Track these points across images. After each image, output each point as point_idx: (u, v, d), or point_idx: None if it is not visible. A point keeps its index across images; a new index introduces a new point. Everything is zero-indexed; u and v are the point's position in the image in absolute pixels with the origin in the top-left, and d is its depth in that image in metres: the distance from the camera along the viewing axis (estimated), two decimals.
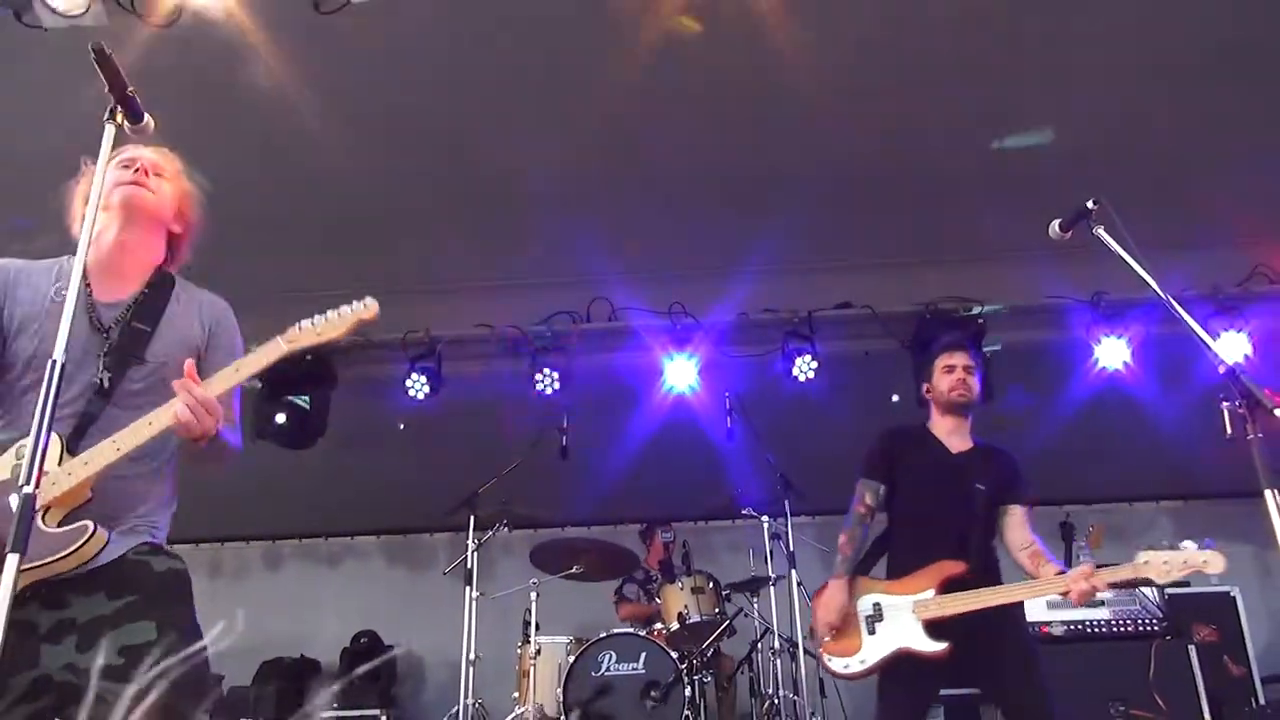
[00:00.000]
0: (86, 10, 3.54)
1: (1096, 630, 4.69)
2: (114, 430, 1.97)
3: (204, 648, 1.98)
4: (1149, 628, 4.65)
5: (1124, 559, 5.35)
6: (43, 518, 1.89)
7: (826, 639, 3.44)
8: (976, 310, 5.59)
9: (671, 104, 4.67)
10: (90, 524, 1.89)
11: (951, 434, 3.60)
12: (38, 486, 1.68)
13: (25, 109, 4.21)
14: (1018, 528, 3.43)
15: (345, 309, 2.04)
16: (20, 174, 3.63)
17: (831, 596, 3.45)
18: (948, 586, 3.29)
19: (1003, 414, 5.66)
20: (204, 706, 1.90)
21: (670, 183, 5.24)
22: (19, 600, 1.82)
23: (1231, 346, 5.18)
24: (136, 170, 2.18)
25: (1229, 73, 4.30)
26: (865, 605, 3.42)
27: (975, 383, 3.61)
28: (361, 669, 6.95)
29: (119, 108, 1.90)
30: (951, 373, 3.60)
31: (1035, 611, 4.77)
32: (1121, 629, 4.67)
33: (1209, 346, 2.37)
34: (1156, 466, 6.27)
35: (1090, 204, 2.56)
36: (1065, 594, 3.15)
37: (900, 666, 3.29)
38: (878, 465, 3.64)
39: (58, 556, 1.87)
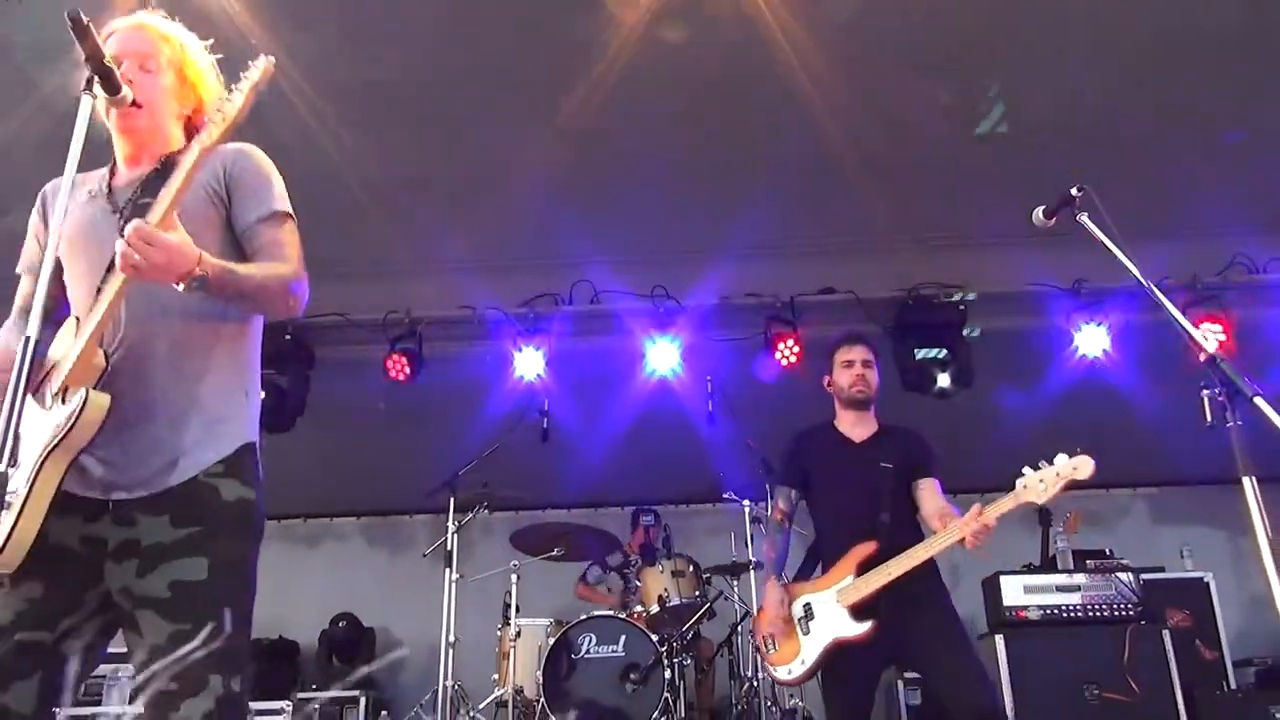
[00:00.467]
0: None
1: (1071, 614, 4.74)
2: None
3: (248, 617, 1.90)
4: (1123, 612, 4.70)
5: (1103, 545, 5.49)
6: (62, 399, 1.83)
7: (770, 650, 3.54)
8: (958, 296, 5.61)
9: (653, 86, 4.64)
10: (84, 390, 1.79)
11: (855, 425, 3.69)
12: (12, 465, 1.65)
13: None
14: (930, 498, 3.51)
15: (243, 80, 1.84)
16: None
17: (765, 603, 3.57)
18: (865, 568, 3.36)
19: (981, 401, 5.71)
20: (242, 678, 1.84)
21: (653, 165, 5.21)
22: (94, 513, 1.86)
23: (1209, 335, 5.22)
24: (119, 98, 1.94)
25: (1212, 60, 4.32)
26: (797, 609, 3.52)
27: (874, 377, 3.70)
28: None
29: (96, 79, 1.85)
30: (850, 368, 3.69)
31: (1011, 596, 4.81)
32: (1096, 613, 4.72)
33: (1189, 334, 2.38)
34: (1134, 453, 6.31)
35: (1074, 191, 2.56)
36: (963, 541, 3.18)
37: (835, 659, 3.36)
38: (787, 470, 3.79)
39: (61, 433, 1.78)
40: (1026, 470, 3.14)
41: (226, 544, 1.88)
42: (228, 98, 1.82)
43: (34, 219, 2.18)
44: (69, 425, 1.77)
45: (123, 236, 1.72)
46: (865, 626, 3.29)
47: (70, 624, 1.82)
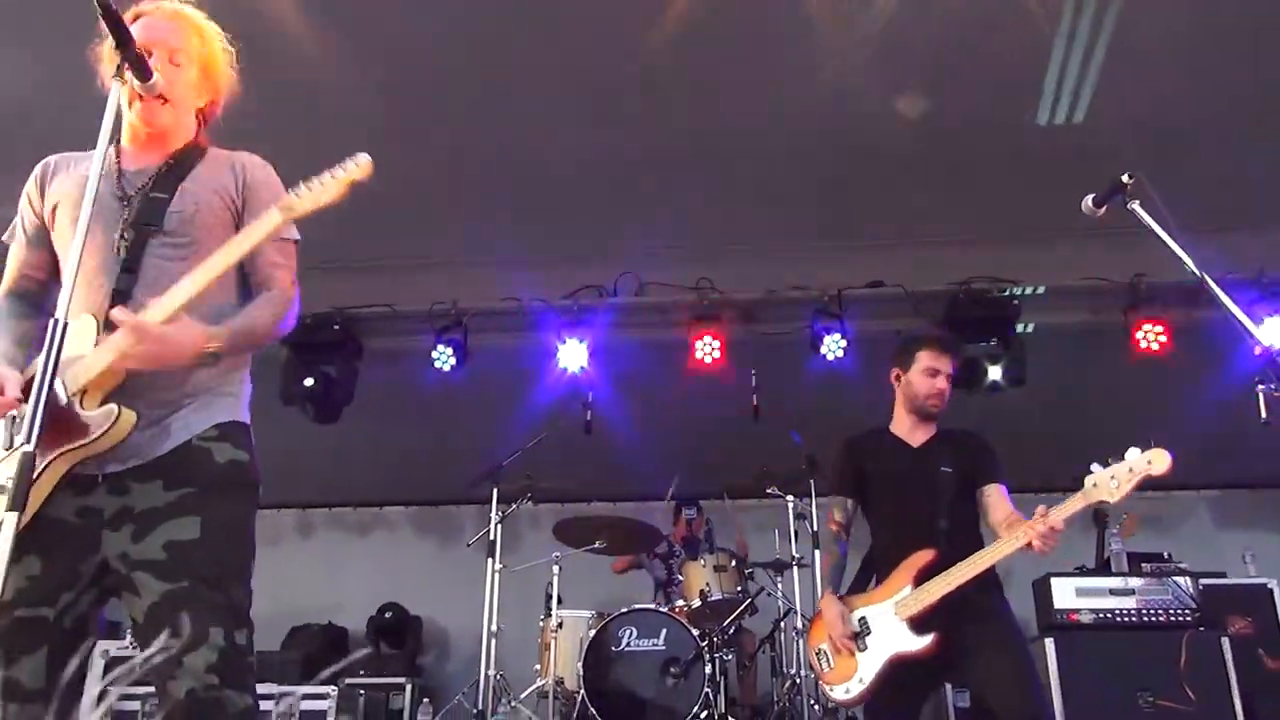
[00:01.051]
0: None
1: (1125, 619, 4.58)
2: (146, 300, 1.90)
3: (247, 575, 1.91)
4: (1180, 618, 4.54)
5: (1162, 548, 5.31)
6: (80, 401, 1.86)
7: (825, 669, 3.34)
8: (1011, 290, 5.48)
9: (698, 76, 4.60)
10: (115, 408, 1.83)
11: (914, 429, 3.46)
12: (38, 445, 1.67)
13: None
14: (997, 506, 3.28)
15: (338, 170, 1.91)
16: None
17: (824, 613, 3.36)
18: (923, 578, 3.17)
19: (1035, 399, 5.56)
20: (246, 632, 1.85)
21: (700, 157, 5.17)
22: (87, 486, 1.89)
23: (1276, 331, 5.02)
24: (150, 84, 1.96)
25: (1273, 44, 4.15)
26: (852, 623, 3.31)
27: (949, 392, 3.45)
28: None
29: (126, 65, 1.87)
30: (934, 377, 3.40)
31: (1063, 599, 4.67)
32: (1152, 618, 4.56)
33: (1248, 329, 2.27)
34: (1195, 454, 6.10)
35: (1125, 178, 2.46)
36: (1029, 546, 2.98)
37: (894, 674, 3.17)
38: (841, 479, 3.54)
39: (88, 440, 1.82)
40: (1095, 467, 2.94)
41: (219, 503, 1.90)
42: (324, 184, 1.90)
43: (30, 189, 2.15)
44: (94, 438, 1.82)
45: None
46: (926, 640, 3.10)
47: (70, 598, 1.85)
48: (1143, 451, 2.88)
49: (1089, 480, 2.94)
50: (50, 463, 1.82)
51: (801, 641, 5.14)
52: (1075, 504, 2.95)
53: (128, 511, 1.87)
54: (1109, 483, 2.90)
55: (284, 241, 2.10)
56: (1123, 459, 2.91)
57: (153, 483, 1.88)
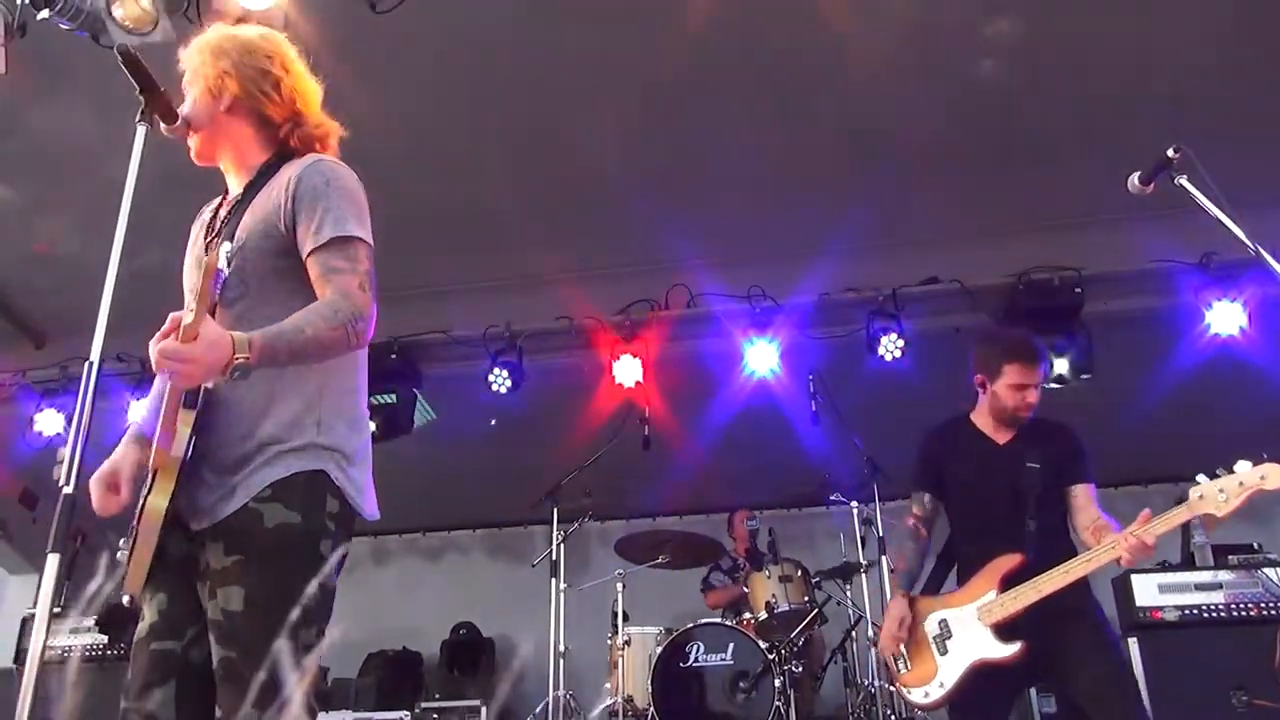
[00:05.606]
0: (155, 28, 3.67)
1: (1213, 614, 4.37)
2: None
3: (296, 645, 1.82)
4: (1272, 611, 4.31)
5: (1251, 539, 5.05)
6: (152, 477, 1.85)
7: (901, 670, 3.25)
8: (1074, 278, 5.30)
9: (743, 86, 4.58)
10: (141, 500, 1.84)
11: (999, 427, 3.32)
12: (76, 487, 1.73)
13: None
14: (1084, 509, 3.15)
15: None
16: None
17: (891, 615, 3.26)
18: (1009, 582, 3.06)
19: (1105, 387, 5.37)
20: (276, 676, 1.78)
21: (746, 164, 5.14)
22: (193, 536, 1.88)
23: None
24: (177, 125, 1.97)
25: None
26: (932, 625, 3.21)
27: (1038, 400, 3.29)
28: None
29: (150, 108, 1.92)
30: (1022, 391, 3.24)
31: (1145, 596, 4.47)
32: (1241, 613, 4.33)
33: None
34: None
35: (1171, 152, 2.36)
36: (1118, 560, 2.86)
37: (978, 680, 3.06)
38: (922, 473, 3.42)
39: (133, 536, 1.83)
40: (1201, 478, 2.80)
41: (262, 573, 1.84)
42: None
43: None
44: (134, 527, 1.85)
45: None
46: (1014, 648, 2.99)
47: (194, 632, 1.89)
48: (1255, 465, 2.75)
49: (1194, 492, 2.82)
50: (137, 534, 1.84)
51: (874, 650, 5.03)
52: (1179, 517, 2.84)
53: (208, 568, 1.88)
54: (1217, 495, 2.77)
55: (341, 242, 1.91)
56: (1232, 471, 2.78)
57: (218, 544, 1.86)
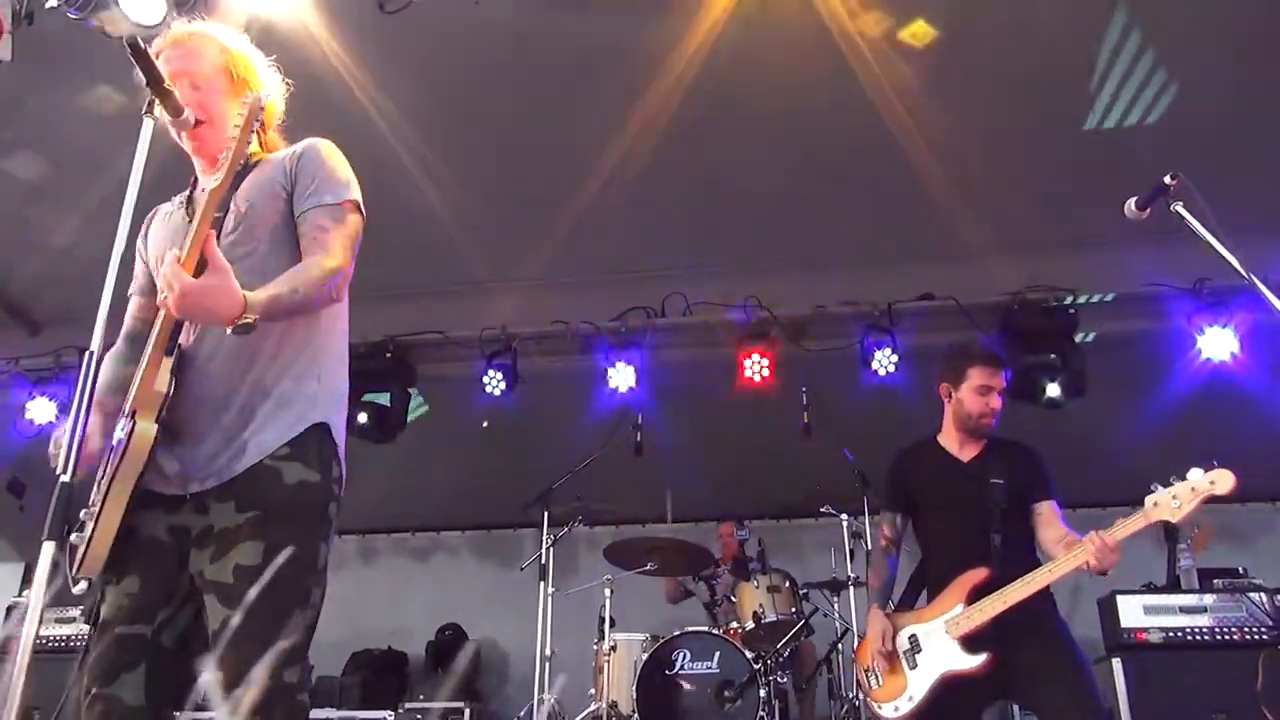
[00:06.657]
0: (163, 21, 3.69)
1: (1197, 637, 4.40)
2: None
3: (308, 604, 1.85)
4: (1256, 635, 4.34)
5: (1237, 563, 5.09)
6: (133, 420, 1.85)
7: (873, 686, 3.30)
8: (1068, 300, 5.34)
9: (742, 97, 4.60)
10: (131, 423, 1.83)
11: (964, 443, 3.40)
12: (74, 476, 1.73)
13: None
14: (1049, 524, 3.22)
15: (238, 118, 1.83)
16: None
17: (870, 628, 3.34)
18: (976, 596, 3.11)
19: (1097, 410, 5.40)
20: (298, 669, 1.81)
21: (744, 176, 5.16)
22: (175, 505, 1.91)
23: None
24: (183, 120, 2.01)
25: None
26: (902, 641, 3.27)
27: (1000, 408, 3.37)
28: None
29: (157, 101, 1.93)
30: (985, 395, 3.32)
31: (1130, 617, 4.50)
32: (1225, 636, 4.36)
33: None
34: (1271, 463, 5.87)
35: (1168, 179, 2.39)
36: (1087, 566, 2.91)
37: (943, 693, 3.12)
38: (890, 493, 3.52)
39: (115, 465, 1.83)
40: (1156, 486, 2.87)
41: (283, 529, 1.85)
42: (233, 138, 1.82)
43: (139, 241, 2.24)
44: (119, 457, 1.83)
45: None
46: (979, 659, 3.05)
47: (166, 615, 1.89)
48: (1205, 471, 2.81)
49: (1149, 500, 2.88)
50: (108, 487, 1.84)
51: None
52: (1135, 524, 2.88)
53: (209, 530, 1.88)
54: (1170, 502, 2.83)
55: (332, 206, 2.03)
56: (1184, 478, 2.83)
57: (228, 503, 1.87)
